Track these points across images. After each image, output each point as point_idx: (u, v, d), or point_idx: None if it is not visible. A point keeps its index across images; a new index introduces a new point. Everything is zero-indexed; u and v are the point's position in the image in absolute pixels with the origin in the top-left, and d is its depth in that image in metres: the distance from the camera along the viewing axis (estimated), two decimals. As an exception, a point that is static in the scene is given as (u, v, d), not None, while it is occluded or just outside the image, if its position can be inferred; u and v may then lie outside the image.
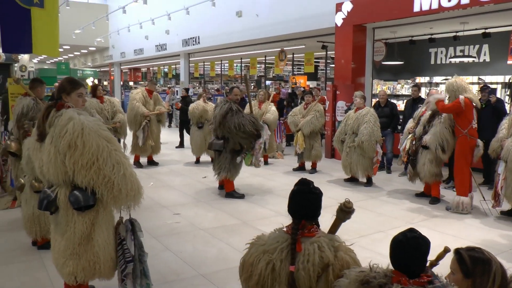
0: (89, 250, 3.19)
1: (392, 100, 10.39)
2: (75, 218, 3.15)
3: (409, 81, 12.19)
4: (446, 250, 2.52)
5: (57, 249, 3.26)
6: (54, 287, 4.06)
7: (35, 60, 34.16)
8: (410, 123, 7.46)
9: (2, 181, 7.18)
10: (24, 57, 23.93)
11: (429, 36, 11.37)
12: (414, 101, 9.07)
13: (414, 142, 7.17)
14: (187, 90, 13.98)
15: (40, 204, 3.23)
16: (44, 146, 3.14)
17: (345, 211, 2.59)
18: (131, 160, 9.43)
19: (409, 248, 2.11)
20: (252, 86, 21.32)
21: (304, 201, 2.54)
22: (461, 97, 6.49)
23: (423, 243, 2.12)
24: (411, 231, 2.17)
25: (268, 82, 23.64)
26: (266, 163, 10.15)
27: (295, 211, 2.56)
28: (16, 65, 24.18)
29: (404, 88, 12.25)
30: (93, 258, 3.20)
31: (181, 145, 12.90)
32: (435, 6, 8.80)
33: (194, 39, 18.46)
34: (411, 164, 7.24)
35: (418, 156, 7.10)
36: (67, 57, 37.78)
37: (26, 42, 6.70)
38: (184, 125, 12.78)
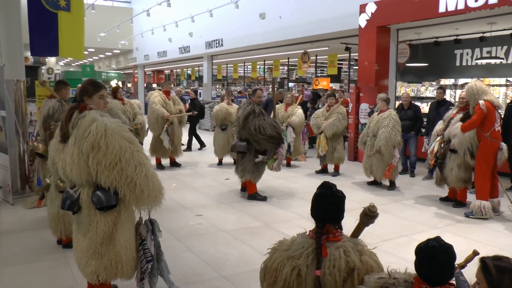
0: (111, 250, 3.23)
1: (416, 103, 10.25)
2: (97, 218, 3.19)
3: (434, 83, 12.01)
4: (475, 253, 2.48)
5: (80, 248, 3.31)
6: (78, 285, 4.11)
7: (61, 63, 34.78)
8: (439, 125, 7.28)
9: (29, 181, 7.34)
10: (51, 60, 24.43)
11: (455, 37, 11.19)
12: (439, 104, 8.91)
13: (442, 145, 7.01)
14: (196, 92, 13.94)
15: (63, 204, 3.27)
16: (67, 147, 3.19)
17: (369, 216, 2.57)
18: (153, 162, 9.52)
19: (426, 256, 2.11)
20: (275, 88, 21.27)
21: (327, 205, 2.51)
22: (481, 102, 6.31)
23: (442, 253, 2.10)
24: (435, 239, 2.16)
25: (291, 84, 23.59)
26: (288, 165, 10.13)
27: (318, 215, 2.54)
28: (43, 67, 24.70)
29: (428, 90, 12.08)
30: (115, 257, 3.24)
31: (202, 145, 12.92)
32: (461, 6, 8.65)
33: (217, 41, 18.55)
34: (438, 167, 7.06)
35: (446, 160, 6.92)
36: (92, 59, 38.36)
37: (53, 45, 6.84)
38: (191, 126, 12.76)
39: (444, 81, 11.86)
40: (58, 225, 4.88)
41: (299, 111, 9.95)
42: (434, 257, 2.08)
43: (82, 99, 3.31)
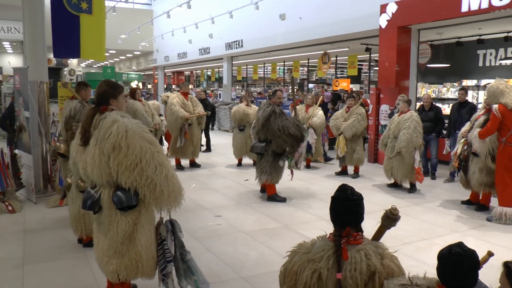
0: (131, 249, 3.25)
1: (437, 104, 10.12)
2: (118, 218, 3.22)
3: (456, 84, 11.85)
4: (490, 254, 2.45)
5: (101, 247, 3.35)
6: (98, 284, 4.17)
7: (82, 64, 35.27)
8: (466, 126, 7.06)
9: (51, 180, 7.46)
10: (73, 62, 24.82)
11: (478, 37, 11.03)
12: (461, 105, 8.77)
13: (466, 147, 6.85)
14: (205, 92, 13.89)
15: (84, 204, 3.32)
16: (88, 147, 3.22)
17: (391, 218, 2.54)
18: (172, 163, 9.58)
19: (449, 263, 2.06)
20: (295, 89, 21.25)
21: (343, 208, 2.49)
22: (495, 106, 6.12)
23: (466, 260, 2.05)
24: (458, 245, 2.11)
25: (311, 85, 23.54)
26: (308, 166, 10.10)
27: (335, 218, 2.52)
28: (65, 69, 25.11)
29: (450, 91, 11.92)
30: (135, 257, 3.26)
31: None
32: (485, 5, 8.48)
33: (237, 43, 18.60)
34: (463, 170, 6.90)
35: (469, 163, 6.76)
36: (112, 61, 38.79)
37: (75, 47, 6.94)
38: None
39: (466, 82, 11.69)
40: (79, 224, 4.96)
41: (320, 112, 9.91)
42: (458, 264, 2.04)
43: (107, 102, 3.31)
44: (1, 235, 5.60)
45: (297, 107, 9.79)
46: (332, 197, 2.56)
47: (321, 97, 10.75)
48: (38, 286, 4.20)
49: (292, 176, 7.39)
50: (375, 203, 6.89)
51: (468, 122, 7.12)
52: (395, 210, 2.53)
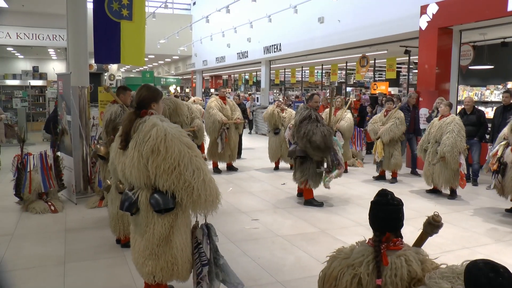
0: (167, 252, 3.28)
1: (480, 107, 9.82)
2: (155, 220, 3.25)
3: (500, 86, 11.50)
4: None
5: (137, 248, 3.39)
6: (136, 284, 4.23)
7: (122, 69, 36.04)
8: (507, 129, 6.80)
9: (91, 182, 7.65)
10: (113, 67, 25.37)
11: (525, 38, 10.68)
12: (505, 109, 8.46)
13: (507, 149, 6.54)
14: (239, 96, 14.01)
15: (122, 205, 3.37)
16: (127, 150, 3.28)
17: (433, 225, 2.49)
18: (209, 166, 9.70)
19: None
20: (334, 92, 21.08)
21: (383, 213, 2.45)
22: None
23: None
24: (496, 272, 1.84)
25: (348, 89, 23.30)
26: (345, 171, 9.99)
27: (375, 224, 2.49)
28: (105, 74, 25.72)
29: (493, 94, 11.57)
30: (171, 259, 3.29)
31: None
32: (533, 4, 8.15)
33: (275, 46, 18.61)
34: (501, 173, 6.61)
35: (507, 168, 6.51)
36: (151, 66, 39.45)
37: (115, 53, 7.12)
38: None
39: (511, 84, 11.32)
40: (117, 225, 5.06)
41: (348, 115, 9.78)
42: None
43: (148, 106, 3.37)
44: (45, 234, 5.79)
45: (326, 110, 9.71)
46: (372, 202, 2.53)
47: (352, 100, 10.61)
48: (78, 283, 4.31)
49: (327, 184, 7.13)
50: (413, 209, 6.75)
51: (508, 125, 6.83)
52: (438, 216, 2.49)
